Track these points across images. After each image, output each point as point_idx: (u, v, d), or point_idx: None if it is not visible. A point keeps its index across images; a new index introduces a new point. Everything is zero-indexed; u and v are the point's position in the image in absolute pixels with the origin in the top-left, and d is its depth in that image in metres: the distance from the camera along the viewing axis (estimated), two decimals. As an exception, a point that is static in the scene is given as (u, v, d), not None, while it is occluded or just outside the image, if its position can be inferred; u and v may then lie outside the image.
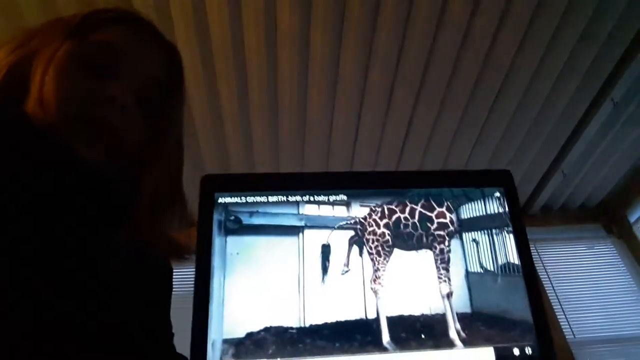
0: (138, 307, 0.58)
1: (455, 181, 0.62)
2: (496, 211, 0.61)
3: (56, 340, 0.45)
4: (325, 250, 0.58)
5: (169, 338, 0.69)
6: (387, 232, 0.59)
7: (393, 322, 0.55)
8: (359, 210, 0.61)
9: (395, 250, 0.59)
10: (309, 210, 0.62)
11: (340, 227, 0.60)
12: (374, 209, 0.60)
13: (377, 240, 0.59)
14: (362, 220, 0.60)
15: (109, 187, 0.58)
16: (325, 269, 0.57)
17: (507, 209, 0.60)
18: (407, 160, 2.78)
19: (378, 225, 0.59)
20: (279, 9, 1.95)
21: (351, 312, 0.55)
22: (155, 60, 0.64)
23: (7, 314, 0.42)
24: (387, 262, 0.58)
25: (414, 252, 0.59)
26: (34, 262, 0.45)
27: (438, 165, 2.85)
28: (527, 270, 0.57)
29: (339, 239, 0.59)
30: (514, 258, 0.58)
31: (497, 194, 0.61)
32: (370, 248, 0.59)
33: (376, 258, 0.58)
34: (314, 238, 0.60)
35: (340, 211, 0.61)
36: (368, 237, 0.59)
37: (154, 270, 0.66)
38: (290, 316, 0.55)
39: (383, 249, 0.58)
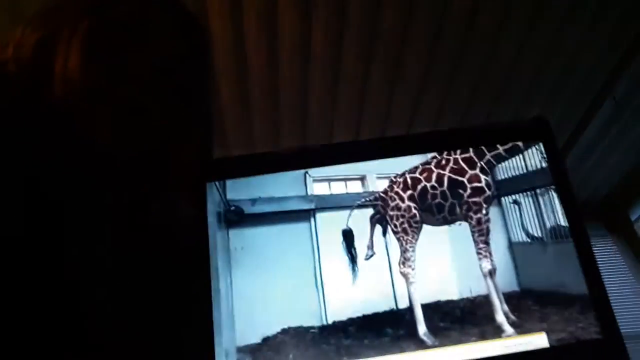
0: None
1: (482, 140, 0.53)
2: (538, 167, 0.52)
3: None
4: (348, 235, 0.50)
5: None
6: (412, 205, 0.51)
7: (429, 310, 0.47)
8: (376, 184, 0.53)
9: (425, 226, 0.51)
10: (319, 189, 0.54)
11: (360, 206, 0.52)
12: (394, 179, 0.52)
13: (403, 216, 0.50)
14: (383, 195, 0.52)
15: (130, 169, 0.53)
16: (353, 258, 0.49)
17: (544, 167, 0.51)
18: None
19: (402, 199, 0.51)
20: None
21: (379, 303, 0.48)
22: (178, 34, 0.60)
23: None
24: (416, 240, 0.50)
25: (446, 226, 0.50)
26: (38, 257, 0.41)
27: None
28: (577, 233, 0.48)
29: (360, 220, 0.51)
30: (563, 220, 0.50)
31: (536, 147, 0.53)
32: (395, 226, 0.50)
33: (403, 237, 0.50)
34: (328, 221, 0.52)
35: (354, 187, 0.54)
36: (392, 213, 0.51)
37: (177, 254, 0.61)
38: (310, 314, 0.48)
39: (410, 225, 0.50)
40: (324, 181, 0.54)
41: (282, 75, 2.24)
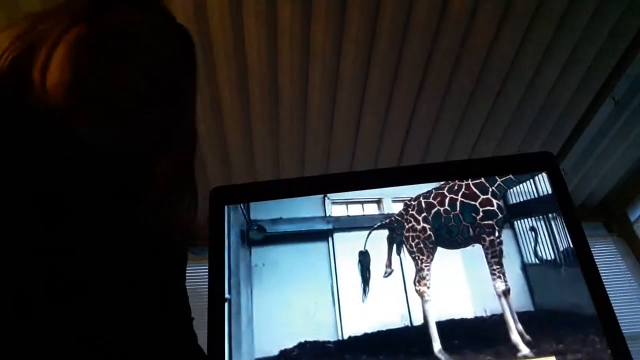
0: (154, 290, 0.54)
1: (492, 170, 0.56)
2: (549, 192, 0.54)
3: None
4: (364, 258, 0.52)
5: (187, 322, 0.64)
6: (428, 227, 0.53)
7: (444, 327, 0.48)
8: (392, 206, 0.56)
9: (440, 248, 0.53)
10: (337, 211, 0.56)
11: (377, 228, 0.54)
12: (409, 203, 0.54)
13: (418, 237, 0.53)
14: (399, 217, 0.54)
15: (117, 169, 0.54)
16: (366, 279, 0.51)
17: (553, 193, 0.54)
18: (407, 158, 2.75)
19: (417, 221, 0.53)
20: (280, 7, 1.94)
21: (394, 320, 0.49)
22: (167, 43, 0.61)
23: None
24: (431, 260, 0.52)
25: (461, 248, 0.53)
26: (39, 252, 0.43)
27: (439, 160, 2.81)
28: (584, 259, 0.50)
29: (376, 241, 0.53)
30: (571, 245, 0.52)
31: (542, 177, 0.55)
32: (411, 246, 0.52)
33: (419, 257, 0.52)
34: (345, 241, 0.55)
35: (371, 209, 0.56)
36: (407, 234, 0.53)
37: (170, 253, 0.62)
38: (326, 329, 0.49)
39: (426, 246, 0.52)
40: (342, 203, 0.56)
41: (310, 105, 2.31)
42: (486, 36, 2.12)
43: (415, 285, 0.51)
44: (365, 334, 0.49)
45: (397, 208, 0.55)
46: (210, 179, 2.69)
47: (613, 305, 0.49)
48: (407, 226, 0.54)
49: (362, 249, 0.53)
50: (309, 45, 2.10)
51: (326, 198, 0.56)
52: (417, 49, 2.15)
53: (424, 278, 0.51)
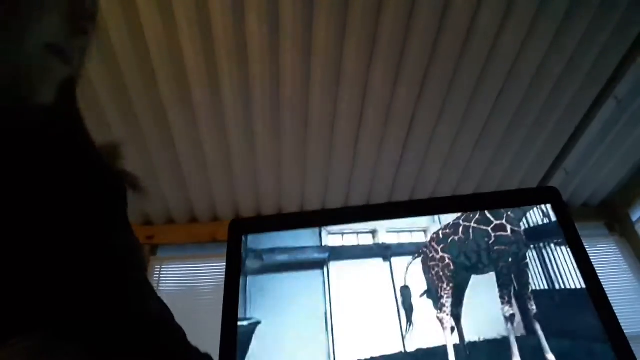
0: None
1: (499, 202, 0.58)
2: (552, 222, 0.57)
3: None
4: (406, 292, 0.54)
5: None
6: (446, 256, 0.56)
7: (458, 350, 0.51)
8: (387, 237, 0.58)
9: (460, 274, 0.55)
10: (332, 241, 0.58)
11: (415, 258, 0.57)
12: (433, 236, 0.58)
13: (438, 266, 0.55)
14: (425, 249, 0.57)
15: None
16: (409, 313, 0.53)
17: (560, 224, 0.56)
18: (408, 160, 2.75)
19: (437, 251, 0.56)
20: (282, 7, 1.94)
21: (388, 346, 0.51)
22: None
23: None
24: (450, 288, 0.54)
25: (483, 274, 0.55)
26: None
27: (438, 164, 2.82)
28: (593, 287, 0.51)
29: (414, 275, 0.56)
30: (578, 274, 0.54)
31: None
32: (432, 275, 0.55)
33: (439, 284, 0.55)
34: (340, 270, 0.56)
35: (365, 240, 0.58)
36: (430, 264, 0.56)
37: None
38: (320, 355, 0.51)
39: (444, 274, 0.55)
40: (337, 234, 0.58)
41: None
42: (488, 35, 2.11)
43: (437, 312, 0.53)
44: (358, 362, 0.51)
45: (392, 239, 0.57)
46: (211, 178, 2.71)
47: (613, 305, 0.50)
48: (429, 256, 0.56)
49: (403, 284, 0.55)
50: (310, 45, 2.10)
51: (322, 229, 0.57)
52: (420, 48, 2.15)
53: (443, 306, 0.53)
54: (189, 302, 2.63)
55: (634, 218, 3.13)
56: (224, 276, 0.55)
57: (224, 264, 0.56)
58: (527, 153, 2.81)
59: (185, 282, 2.80)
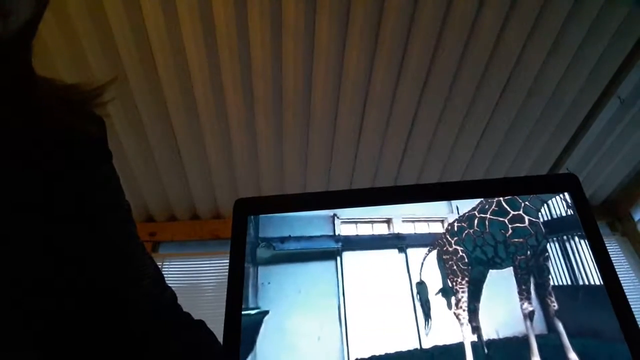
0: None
1: (516, 189, 0.55)
2: (570, 214, 0.53)
3: None
4: (422, 289, 0.52)
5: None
6: (460, 248, 0.53)
7: (475, 348, 0.48)
8: (402, 227, 0.56)
9: (475, 268, 0.52)
10: (346, 230, 0.56)
11: (430, 250, 0.54)
12: (447, 228, 0.55)
13: (452, 259, 0.53)
14: (440, 241, 0.55)
15: None
16: (427, 313, 0.51)
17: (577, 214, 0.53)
18: (410, 157, 2.74)
19: (450, 244, 0.54)
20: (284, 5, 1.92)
21: (403, 342, 0.49)
22: None
23: None
24: (466, 282, 0.51)
25: (502, 269, 0.52)
26: None
27: (439, 165, 2.81)
28: (610, 283, 0.49)
29: (428, 270, 0.53)
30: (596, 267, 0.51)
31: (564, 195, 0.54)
32: (446, 268, 0.53)
33: (453, 278, 0.52)
34: (353, 260, 0.55)
35: (381, 229, 0.56)
36: (444, 257, 0.53)
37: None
38: (332, 353, 0.49)
39: (459, 267, 0.52)
40: (351, 222, 0.56)
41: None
42: (491, 33, 2.11)
43: (453, 307, 0.51)
44: (373, 357, 0.49)
45: (408, 228, 0.55)
46: (213, 175, 2.70)
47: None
48: (444, 249, 0.54)
49: (418, 279, 0.52)
50: (313, 43, 2.09)
51: (335, 217, 0.56)
52: (422, 46, 2.14)
53: (459, 300, 0.51)
54: (190, 299, 2.61)
55: (636, 217, 3.12)
56: (226, 273, 0.53)
57: (226, 260, 0.54)
58: (529, 152, 2.80)
59: (187, 279, 2.79)
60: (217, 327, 0.56)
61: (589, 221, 0.53)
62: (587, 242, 0.52)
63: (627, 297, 0.50)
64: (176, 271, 2.82)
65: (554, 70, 2.31)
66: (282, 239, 0.54)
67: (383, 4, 1.97)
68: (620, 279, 0.50)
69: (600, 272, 0.50)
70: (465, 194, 0.55)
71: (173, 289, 0.69)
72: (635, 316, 0.48)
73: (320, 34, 2.06)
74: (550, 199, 0.54)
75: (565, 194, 0.54)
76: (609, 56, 2.28)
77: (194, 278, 2.78)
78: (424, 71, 2.26)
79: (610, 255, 0.52)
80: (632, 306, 0.50)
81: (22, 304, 0.46)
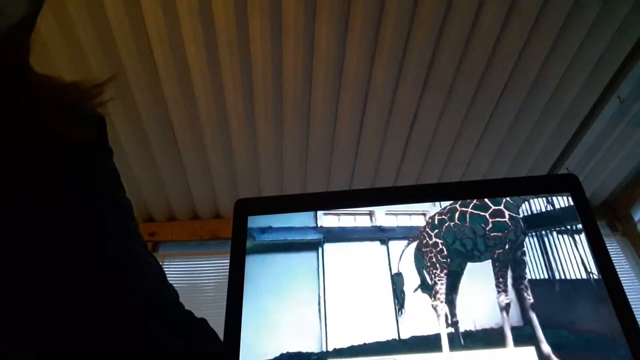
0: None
1: (518, 189, 0.56)
2: (565, 205, 0.54)
3: None
4: (398, 280, 0.53)
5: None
6: (440, 241, 0.54)
7: (453, 338, 0.50)
8: (384, 219, 0.57)
9: (454, 261, 0.53)
10: (328, 222, 0.57)
11: (409, 243, 0.55)
12: (428, 220, 0.56)
13: (431, 252, 0.54)
14: (418, 233, 0.56)
15: None
16: (401, 302, 0.52)
17: (576, 213, 0.54)
18: (410, 157, 2.74)
19: (430, 237, 0.55)
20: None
21: (381, 332, 0.50)
22: None
23: None
24: (445, 275, 0.53)
25: (480, 262, 0.53)
26: None
27: (440, 162, 2.80)
28: (609, 279, 0.50)
29: (407, 261, 0.54)
30: (585, 263, 0.52)
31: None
32: (426, 260, 0.54)
33: (432, 271, 0.53)
34: (335, 251, 0.56)
35: (363, 221, 0.57)
36: (424, 249, 0.54)
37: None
38: (311, 340, 0.50)
39: (438, 260, 0.53)
40: (333, 214, 0.57)
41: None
42: (490, 34, 2.10)
43: (431, 300, 0.52)
44: (351, 346, 0.50)
45: (390, 221, 0.56)
46: (213, 175, 2.71)
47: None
48: (424, 242, 0.55)
49: (396, 271, 0.53)
50: (313, 43, 2.10)
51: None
52: (422, 46, 2.14)
53: (437, 292, 0.52)
54: (190, 299, 2.61)
55: (636, 217, 3.10)
56: (226, 273, 0.54)
57: (226, 260, 0.55)
58: (529, 151, 2.79)
59: (187, 278, 2.80)
60: (217, 327, 0.57)
61: (589, 221, 0.54)
62: (570, 238, 0.52)
63: (628, 296, 0.50)
64: (176, 271, 2.83)
65: (554, 70, 2.31)
66: (263, 230, 0.55)
67: (383, 4, 1.98)
68: (620, 279, 0.51)
69: (600, 272, 0.52)
70: (465, 195, 0.56)
71: (173, 288, 0.69)
72: (636, 316, 0.49)
73: (320, 34, 2.06)
74: (550, 198, 0.55)
75: (567, 195, 0.55)
76: (609, 56, 2.27)
77: (194, 278, 2.80)
78: (424, 71, 2.27)
79: (610, 255, 0.52)
80: (633, 306, 0.50)
81: (22, 303, 0.46)
